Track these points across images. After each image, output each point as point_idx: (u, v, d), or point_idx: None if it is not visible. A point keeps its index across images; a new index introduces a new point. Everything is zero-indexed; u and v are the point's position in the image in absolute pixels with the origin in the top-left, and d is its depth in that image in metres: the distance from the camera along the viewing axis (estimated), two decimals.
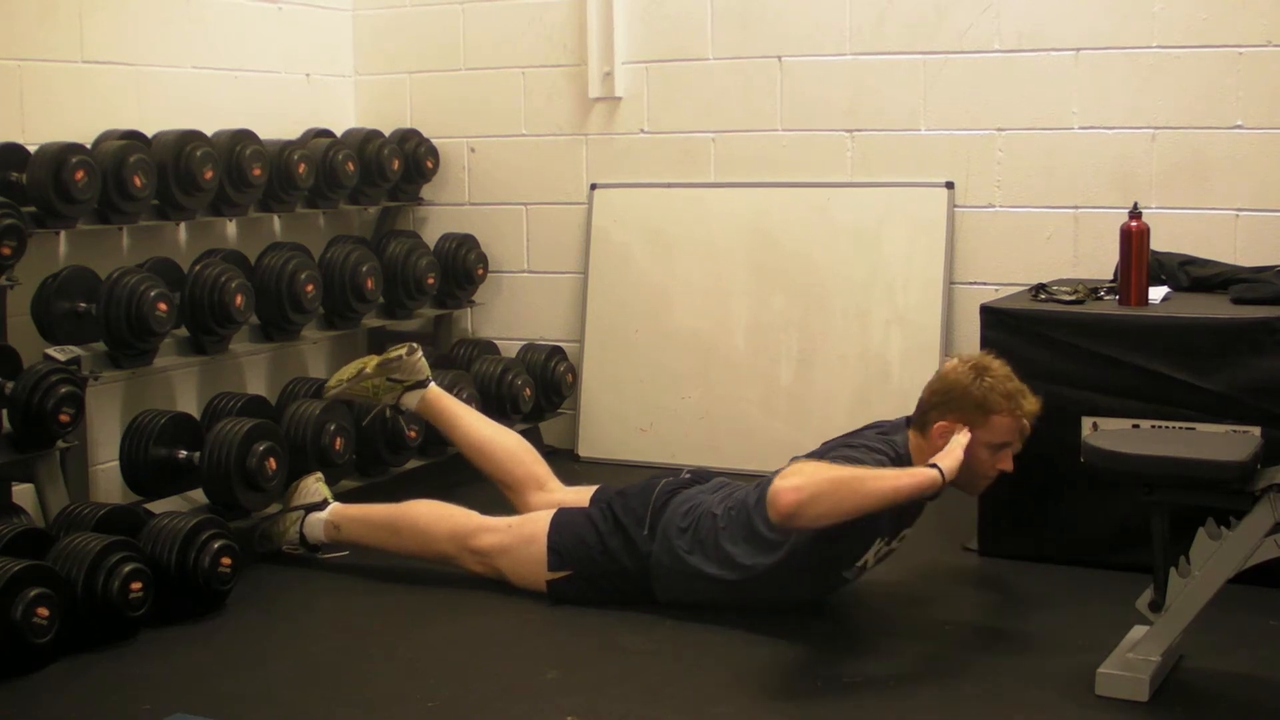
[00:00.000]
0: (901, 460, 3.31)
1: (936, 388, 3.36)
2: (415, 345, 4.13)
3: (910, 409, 4.63)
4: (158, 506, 3.87)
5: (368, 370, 4.10)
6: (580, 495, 3.78)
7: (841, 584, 3.47)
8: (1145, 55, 4.40)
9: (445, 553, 3.71)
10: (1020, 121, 4.59)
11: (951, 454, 3.19)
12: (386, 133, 5.18)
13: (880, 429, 3.47)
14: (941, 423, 3.30)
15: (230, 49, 4.86)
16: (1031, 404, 3.32)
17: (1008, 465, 3.33)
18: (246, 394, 4.48)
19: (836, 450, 3.31)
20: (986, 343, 3.91)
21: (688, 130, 5.07)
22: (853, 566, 3.39)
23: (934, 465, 3.15)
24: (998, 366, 3.33)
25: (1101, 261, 4.41)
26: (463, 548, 3.68)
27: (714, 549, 3.42)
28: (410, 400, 4.11)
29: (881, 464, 3.24)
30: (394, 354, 4.08)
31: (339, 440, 4.18)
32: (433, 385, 4.12)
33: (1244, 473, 2.83)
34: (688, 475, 3.68)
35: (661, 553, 3.47)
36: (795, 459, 3.36)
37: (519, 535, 3.62)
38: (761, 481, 3.48)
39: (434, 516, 3.75)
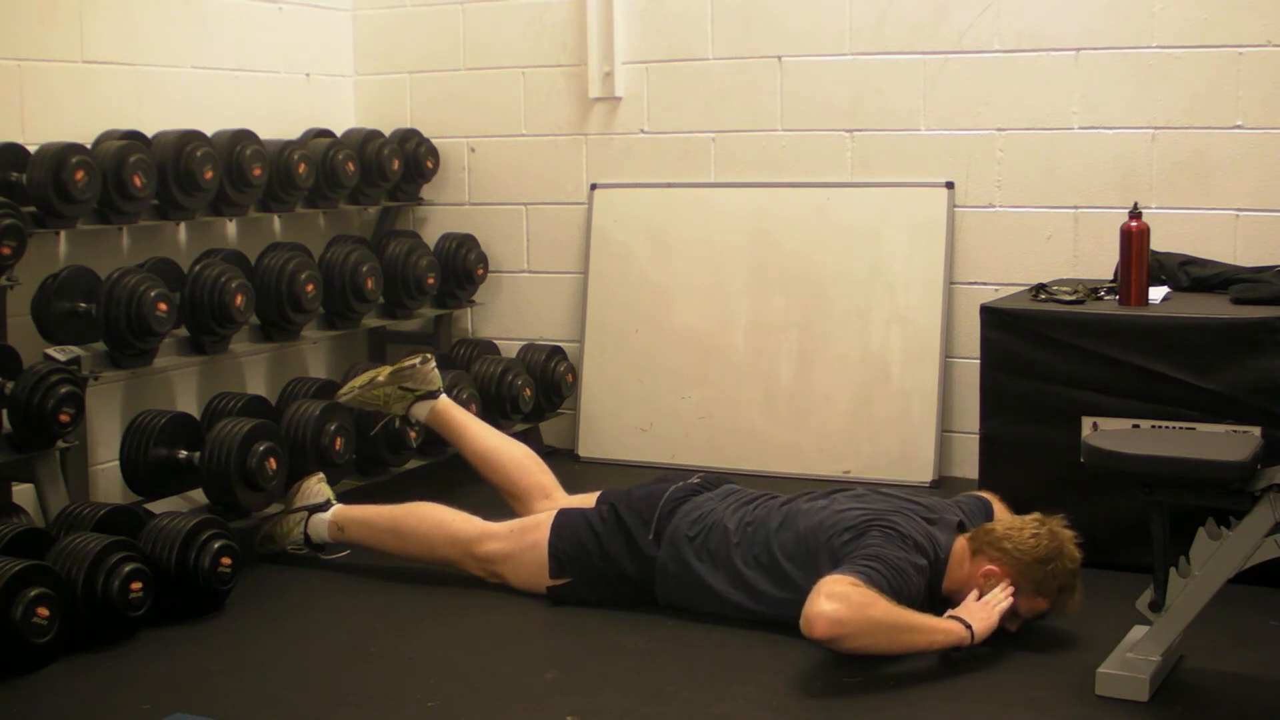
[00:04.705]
0: (938, 565, 3.27)
1: (1013, 537, 3.24)
2: (429, 355, 4.16)
3: (910, 409, 4.66)
4: (158, 506, 3.87)
5: (380, 379, 4.11)
6: (585, 503, 3.76)
7: None
8: (1145, 55, 4.40)
9: (447, 558, 3.72)
10: (1020, 121, 4.59)
11: (988, 619, 3.14)
12: (386, 133, 5.18)
13: (928, 513, 3.37)
14: (994, 568, 3.23)
15: (230, 49, 4.86)
16: (1075, 606, 3.27)
17: (1014, 629, 3.27)
18: (246, 394, 4.47)
19: (879, 537, 3.21)
20: (986, 343, 3.92)
21: (688, 130, 5.07)
22: None
23: (968, 626, 3.11)
24: (1071, 557, 3.24)
25: (1101, 261, 4.41)
26: (465, 553, 3.69)
27: (725, 563, 3.41)
28: (420, 410, 4.12)
29: (921, 570, 3.19)
30: (407, 363, 4.10)
31: (339, 440, 4.18)
32: (443, 396, 4.14)
33: (1244, 473, 2.83)
34: (697, 480, 3.66)
35: (668, 559, 3.46)
36: (839, 516, 3.30)
37: (520, 542, 3.62)
38: (790, 503, 3.44)
39: (436, 521, 3.75)
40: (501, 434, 4.15)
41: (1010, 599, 3.20)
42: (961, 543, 3.33)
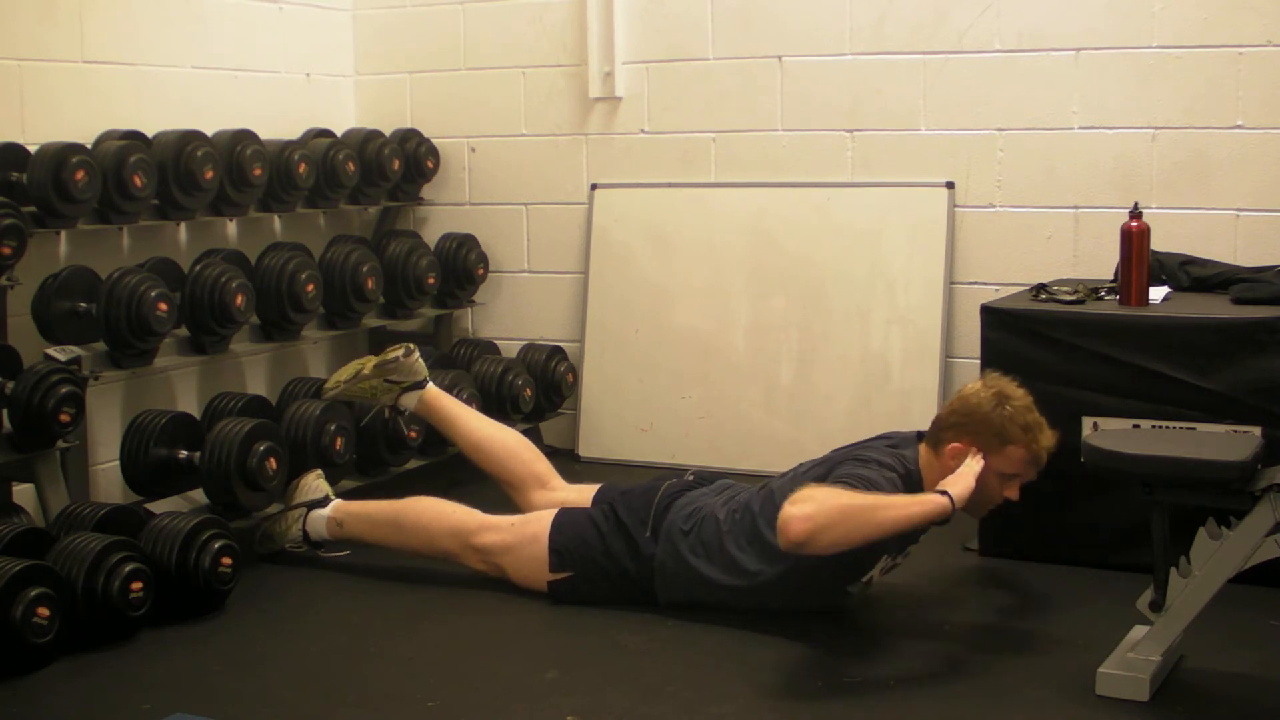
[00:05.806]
0: (911, 476, 3.30)
1: (956, 408, 3.33)
2: (412, 346, 4.14)
3: (910, 409, 4.66)
4: (158, 506, 3.88)
5: (365, 371, 4.10)
6: (583, 493, 3.78)
7: (846, 598, 3.45)
8: (1145, 55, 4.40)
9: (448, 550, 3.72)
10: (1020, 121, 4.59)
11: (963, 481, 3.16)
12: (387, 133, 5.18)
13: (890, 440, 3.45)
14: (956, 444, 3.27)
15: (230, 49, 4.86)
16: (1048, 438, 3.29)
17: (1014, 494, 3.31)
18: (247, 394, 4.48)
19: (846, 465, 3.29)
20: (986, 343, 3.92)
21: (688, 130, 5.07)
22: (858, 581, 3.39)
23: (945, 493, 3.11)
24: (1019, 396, 3.30)
25: (1101, 261, 4.41)
26: (465, 545, 3.68)
27: (719, 553, 3.42)
28: (408, 401, 4.11)
29: (892, 481, 3.22)
30: (391, 355, 4.09)
31: (339, 440, 4.18)
32: (430, 386, 4.13)
33: (1244, 473, 2.84)
34: (691, 477, 3.68)
35: (665, 556, 3.47)
36: (803, 475, 3.35)
37: (521, 535, 3.62)
38: (766, 485, 3.48)
39: (437, 513, 3.75)
40: (494, 421, 4.14)
41: (981, 461, 3.22)
42: (923, 447, 3.38)
